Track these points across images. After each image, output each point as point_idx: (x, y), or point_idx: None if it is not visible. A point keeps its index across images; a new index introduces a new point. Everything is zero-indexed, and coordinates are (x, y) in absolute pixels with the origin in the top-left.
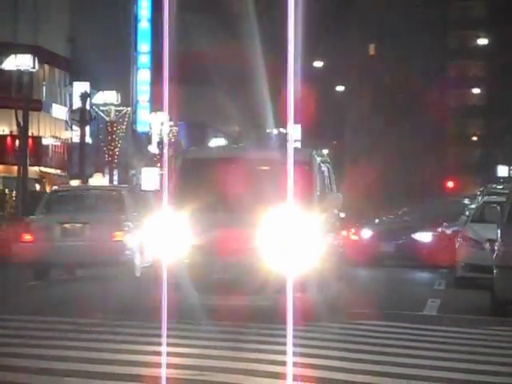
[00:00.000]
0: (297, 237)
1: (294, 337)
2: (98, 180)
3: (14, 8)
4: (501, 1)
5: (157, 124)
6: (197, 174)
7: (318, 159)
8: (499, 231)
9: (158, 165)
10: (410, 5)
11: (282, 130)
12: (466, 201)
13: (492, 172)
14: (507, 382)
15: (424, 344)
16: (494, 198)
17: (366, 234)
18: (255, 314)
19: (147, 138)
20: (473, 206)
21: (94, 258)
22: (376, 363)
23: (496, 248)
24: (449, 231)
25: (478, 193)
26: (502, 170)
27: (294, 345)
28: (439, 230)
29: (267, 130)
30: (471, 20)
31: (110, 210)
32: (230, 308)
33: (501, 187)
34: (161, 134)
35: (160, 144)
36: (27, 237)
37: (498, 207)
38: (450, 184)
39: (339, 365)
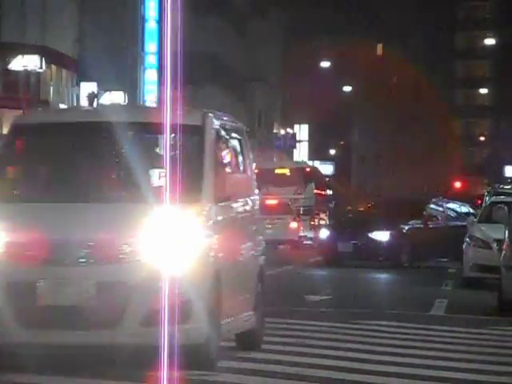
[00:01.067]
0: (177, 240)
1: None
2: None
3: (21, 8)
4: (509, 1)
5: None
6: (31, 148)
7: (218, 125)
8: (507, 231)
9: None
10: (418, 5)
11: (289, 130)
12: (433, 203)
13: (499, 172)
14: None
15: (431, 344)
16: (501, 198)
17: (324, 233)
18: (112, 361)
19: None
20: (432, 206)
21: None
22: (383, 363)
23: (503, 248)
24: (405, 229)
25: (486, 193)
26: (510, 171)
27: (298, 344)
28: (397, 228)
29: (274, 130)
30: (479, 20)
31: None
32: (73, 350)
33: (508, 187)
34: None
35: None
36: None
37: (506, 207)
38: (458, 184)
39: (346, 365)
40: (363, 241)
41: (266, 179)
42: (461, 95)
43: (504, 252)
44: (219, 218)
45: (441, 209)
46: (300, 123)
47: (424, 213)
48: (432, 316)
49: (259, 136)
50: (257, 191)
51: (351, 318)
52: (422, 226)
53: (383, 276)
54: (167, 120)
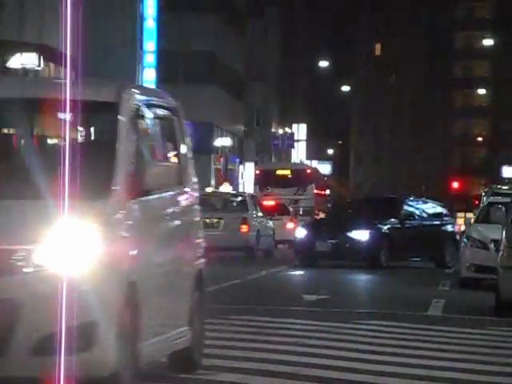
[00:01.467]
0: (79, 246)
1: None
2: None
3: (19, 6)
4: (507, 1)
5: None
6: None
7: (139, 101)
8: (504, 232)
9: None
10: (417, 5)
11: (287, 129)
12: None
13: (497, 173)
14: (511, 382)
15: (428, 344)
16: (499, 198)
17: (301, 232)
18: None
19: None
20: (409, 205)
21: None
22: (380, 363)
23: (501, 248)
24: (384, 229)
25: (483, 193)
26: (507, 171)
27: (297, 344)
28: (376, 227)
29: (272, 130)
30: (477, 20)
31: None
32: None
33: (506, 188)
34: None
35: None
36: None
37: (503, 208)
38: (455, 184)
39: (343, 365)
40: (342, 240)
41: (268, 180)
42: (459, 95)
43: (501, 252)
44: (135, 216)
45: (417, 208)
46: (298, 123)
47: (401, 212)
48: (429, 316)
49: (257, 135)
50: (195, 180)
51: (348, 318)
52: (399, 225)
53: (378, 276)
54: (68, 95)
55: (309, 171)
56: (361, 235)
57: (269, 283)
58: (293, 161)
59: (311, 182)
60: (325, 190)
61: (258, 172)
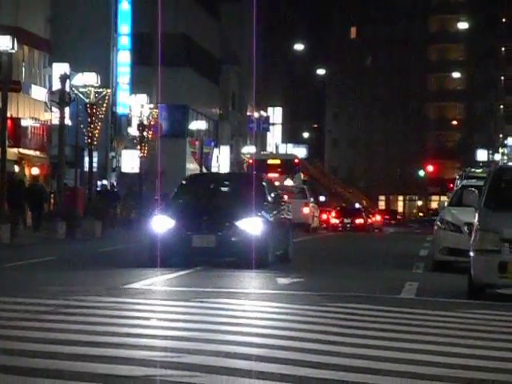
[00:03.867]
0: None
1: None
2: None
3: None
4: None
5: (137, 106)
6: None
7: None
8: (477, 215)
9: (138, 147)
10: None
11: (263, 113)
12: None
13: (471, 156)
14: (482, 364)
15: (400, 327)
16: (472, 181)
17: (169, 223)
18: None
19: (127, 120)
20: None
21: None
22: (351, 346)
23: (474, 232)
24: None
25: (457, 176)
26: (482, 154)
27: (263, 326)
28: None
29: (248, 113)
30: (452, 4)
31: None
32: None
33: (479, 171)
34: (141, 116)
35: (140, 126)
36: None
37: (476, 191)
38: (430, 168)
39: (312, 347)
40: (225, 232)
41: (260, 169)
42: (434, 79)
43: (474, 236)
44: None
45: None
46: (274, 106)
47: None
48: (402, 299)
49: (233, 119)
50: None
51: (321, 301)
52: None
53: (351, 258)
54: None
55: (296, 161)
56: (249, 225)
57: None
58: (268, 144)
59: (298, 169)
60: (309, 176)
61: (251, 161)
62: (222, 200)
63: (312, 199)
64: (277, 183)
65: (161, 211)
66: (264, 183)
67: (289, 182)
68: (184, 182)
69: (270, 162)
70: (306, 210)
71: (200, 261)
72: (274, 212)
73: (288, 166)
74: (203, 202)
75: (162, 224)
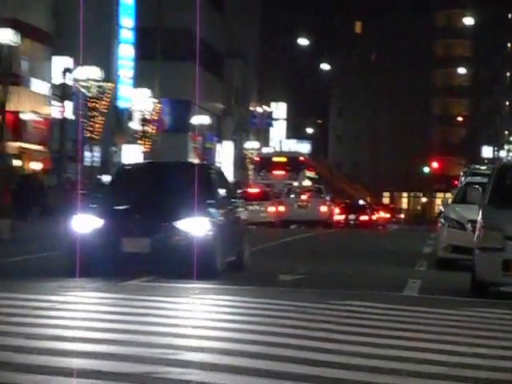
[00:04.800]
0: None
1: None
2: None
3: None
4: None
5: (139, 100)
6: None
7: None
8: (480, 212)
9: (140, 142)
10: None
11: (266, 108)
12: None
13: (477, 153)
14: (486, 363)
15: (403, 325)
16: (476, 178)
17: (95, 223)
18: None
19: (129, 114)
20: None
21: None
22: (353, 344)
23: (477, 229)
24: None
25: (462, 173)
26: (487, 151)
27: (273, 324)
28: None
29: (251, 108)
30: None
31: None
32: None
33: (484, 168)
34: (143, 111)
35: (142, 121)
36: None
37: (480, 188)
38: (435, 164)
39: (316, 345)
40: (162, 235)
41: (266, 166)
42: (439, 75)
43: (477, 233)
44: None
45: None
46: (277, 101)
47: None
48: (405, 296)
49: (236, 114)
50: None
51: (323, 298)
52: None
53: (355, 255)
54: None
55: (302, 158)
56: (192, 226)
57: None
58: (271, 139)
59: (304, 167)
60: (316, 173)
61: (257, 159)
62: (161, 195)
63: (328, 197)
64: (293, 183)
65: (85, 209)
66: (213, 175)
67: (299, 181)
68: (118, 173)
69: (275, 159)
70: (323, 209)
71: (132, 269)
72: (224, 210)
73: (293, 163)
74: (138, 197)
75: (86, 224)
